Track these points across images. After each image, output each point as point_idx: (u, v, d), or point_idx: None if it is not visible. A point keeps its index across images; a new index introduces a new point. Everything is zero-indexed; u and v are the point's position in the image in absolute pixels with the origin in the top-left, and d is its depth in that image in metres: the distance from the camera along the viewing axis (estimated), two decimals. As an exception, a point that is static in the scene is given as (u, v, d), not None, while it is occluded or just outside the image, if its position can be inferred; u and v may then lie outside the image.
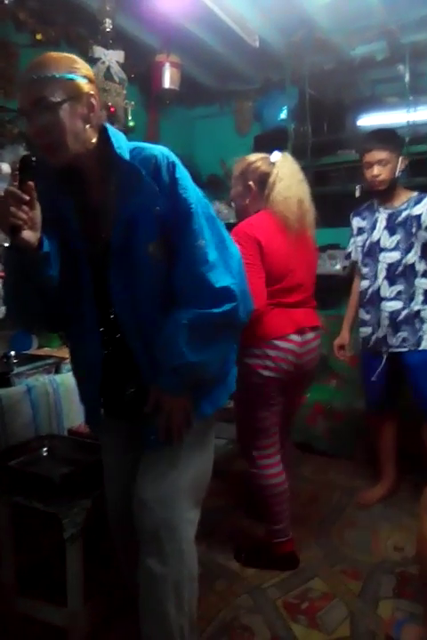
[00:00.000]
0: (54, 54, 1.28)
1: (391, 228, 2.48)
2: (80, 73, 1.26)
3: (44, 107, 1.21)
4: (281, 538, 2.14)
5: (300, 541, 2.34)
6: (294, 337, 2.00)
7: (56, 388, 2.03)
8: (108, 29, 2.54)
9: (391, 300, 2.48)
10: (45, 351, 2.36)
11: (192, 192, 1.32)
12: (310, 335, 2.07)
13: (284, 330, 1.99)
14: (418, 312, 2.45)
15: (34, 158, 1.20)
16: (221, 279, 1.30)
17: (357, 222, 2.66)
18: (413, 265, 2.44)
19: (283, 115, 3.75)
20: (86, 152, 1.29)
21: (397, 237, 2.46)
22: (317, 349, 2.12)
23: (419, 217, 2.42)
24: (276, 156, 2.12)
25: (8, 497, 1.73)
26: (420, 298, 2.45)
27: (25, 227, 1.18)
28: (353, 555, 2.27)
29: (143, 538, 1.38)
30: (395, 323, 2.47)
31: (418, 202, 2.45)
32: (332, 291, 3.55)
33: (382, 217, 2.51)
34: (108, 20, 2.52)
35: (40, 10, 2.63)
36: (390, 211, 2.50)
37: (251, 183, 2.10)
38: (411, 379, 2.52)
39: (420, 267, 2.44)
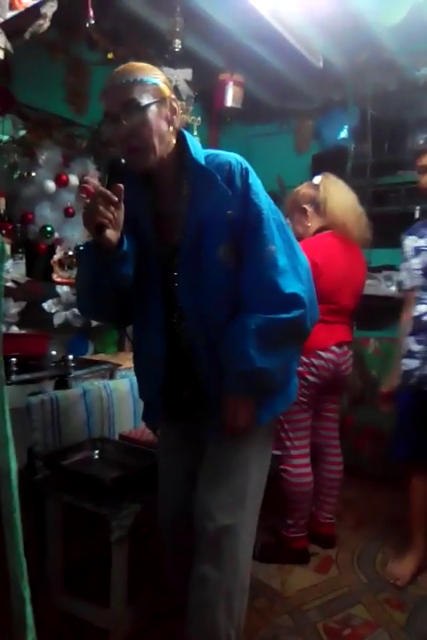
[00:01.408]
0: (136, 63, 1.36)
1: None
2: (161, 79, 1.34)
3: (133, 108, 1.27)
4: (299, 533, 2.32)
5: (343, 565, 2.31)
6: (335, 348, 2.30)
7: (110, 393, 2.08)
8: (176, 49, 2.62)
9: None
10: (101, 357, 2.44)
11: (264, 198, 1.36)
12: (346, 348, 2.38)
13: (327, 342, 2.28)
14: None
15: (123, 161, 1.27)
16: (290, 285, 1.32)
17: (412, 241, 2.28)
18: None
19: (343, 134, 3.73)
20: (168, 155, 1.34)
21: None
22: (350, 360, 2.43)
23: None
24: (317, 178, 2.40)
25: (60, 496, 1.79)
26: None
27: (109, 226, 1.23)
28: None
29: (202, 544, 1.39)
30: None
31: None
32: (387, 312, 3.49)
33: None
34: (177, 41, 2.61)
35: (112, 30, 2.75)
36: None
37: (305, 206, 2.37)
38: None
39: None
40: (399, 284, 2.35)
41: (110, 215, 1.23)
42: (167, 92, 1.33)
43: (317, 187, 2.36)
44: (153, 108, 1.29)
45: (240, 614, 1.42)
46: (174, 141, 1.35)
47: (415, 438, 2.20)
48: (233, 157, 1.36)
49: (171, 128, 1.33)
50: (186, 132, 1.39)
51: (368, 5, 2.62)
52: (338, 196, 2.32)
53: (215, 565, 1.37)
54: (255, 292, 1.33)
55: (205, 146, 1.44)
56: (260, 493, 1.48)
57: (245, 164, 1.37)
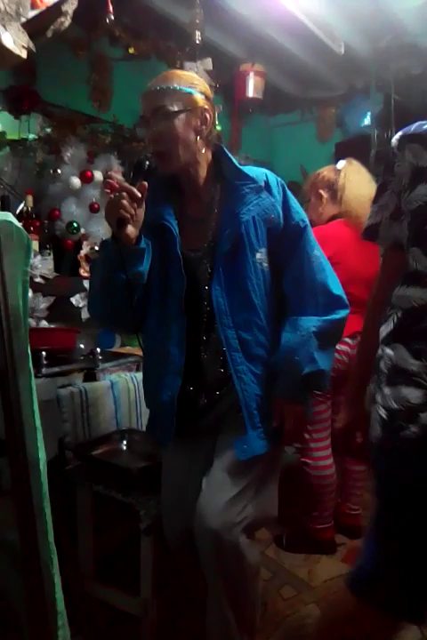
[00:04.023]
0: (177, 71, 1.43)
1: None
2: (198, 89, 1.38)
3: (161, 114, 1.34)
4: (324, 524, 2.31)
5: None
6: (348, 340, 2.22)
7: (137, 385, 2.10)
8: (197, 42, 2.63)
9: None
10: (127, 349, 2.47)
11: (301, 209, 1.43)
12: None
13: None
14: None
15: (147, 162, 1.32)
16: (335, 287, 1.40)
17: (414, 151, 1.08)
18: None
19: (366, 121, 3.69)
20: (196, 163, 1.39)
21: None
22: None
23: None
24: (341, 163, 2.32)
25: (90, 485, 1.82)
26: None
27: (130, 222, 1.27)
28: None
29: (209, 560, 1.37)
30: None
31: None
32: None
33: None
34: (197, 33, 2.61)
35: (133, 25, 2.77)
36: None
37: (321, 191, 2.31)
38: None
39: None
40: (370, 231, 1.22)
41: (132, 211, 1.26)
42: (201, 102, 1.37)
43: (338, 172, 2.30)
44: (181, 116, 1.34)
45: (253, 619, 1.43)
46: (204, 151, 1.40)
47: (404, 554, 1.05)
48: (267, 171, 1.44)
49: (198, 137, 1.37)
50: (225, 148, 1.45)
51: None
52: (358, 185, 2.25)
53: (226, 582, 1.35)
54: (308, 294, 1.39)
55: (227, 137, 1.49)
56: (269, 511, 1.46)
57: (279, 178, 1.45)
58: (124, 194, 1.25)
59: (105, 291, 1.39)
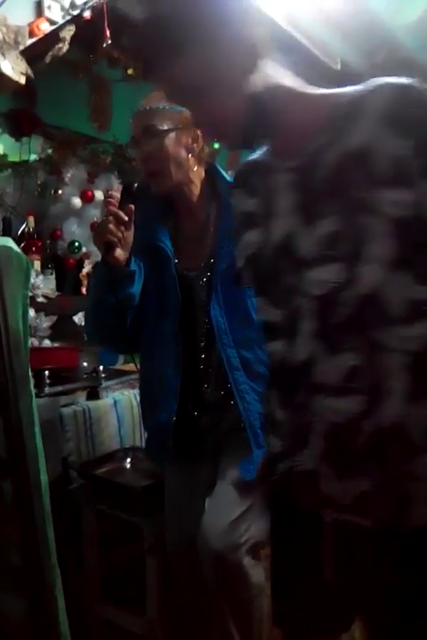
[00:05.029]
0: None
1: (309, 203, 0.84)
2: None
3: (151, 134, 1.34)
4: None
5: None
6: None
7: (139, 403, 2.12)
8: (194, 62, 2.65)
9: (336, 392, 0.83)
10: (130, 366, 2.47)
11: None
12: None
13: None
14: None
15: (136, 185, 1.33)
16: None
17: (240, 199, 0.98)
18: (383, 294, 0.79)
19: (365, 135, 3.72)
20: (189, 181, 1.39)
21: (328, 226, 0.81)
22: None
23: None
24: None
25: (94, 504, 1.82)
26: None
27: (118, 245, 1.28)
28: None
29: (213, 581, 1.35)
30: (345, 450, 0.84)
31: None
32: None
33: (281, 179, 0.88)
34: (193, 53, 2.64)
35: (132, 46, 2.80)
36: (293, 162, 0.87)
37: None
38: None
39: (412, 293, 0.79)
40: (237, 276, 1.02)
41: (120, 234, 1.27)
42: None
43: None
44: (172, 134, 1.34)
45: (260, 637, 1.41)
46: (197, 168, 1.40)
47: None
48: None
49: (190, 155, 1.37)
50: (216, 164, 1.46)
51: (383, 4, 2.63)
52: None
53: (230, 601, 1.35)
54: None
55: (226, 154, 1.50)
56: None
57: None
58: (111, 218, 1.26)
59: (97, 313, 1.40)
